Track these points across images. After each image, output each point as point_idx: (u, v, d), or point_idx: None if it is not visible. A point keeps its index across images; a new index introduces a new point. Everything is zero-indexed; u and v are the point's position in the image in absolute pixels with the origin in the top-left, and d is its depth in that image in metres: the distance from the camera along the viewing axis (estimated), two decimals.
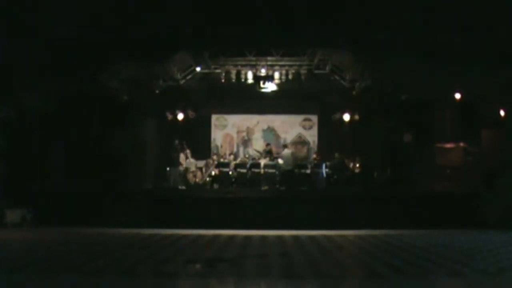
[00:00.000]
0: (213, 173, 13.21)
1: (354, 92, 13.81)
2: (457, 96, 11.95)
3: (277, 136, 15.97)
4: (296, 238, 8.20)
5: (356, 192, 11.92)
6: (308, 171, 13.20)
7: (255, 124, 15.99)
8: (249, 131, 15.99)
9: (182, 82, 14.13)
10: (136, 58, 10.89)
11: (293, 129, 15.95)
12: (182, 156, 13.11)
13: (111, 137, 12.25)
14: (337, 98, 14.26)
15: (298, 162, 13.40)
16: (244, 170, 12.88)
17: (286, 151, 13.15)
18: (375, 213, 10.28)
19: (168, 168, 12.95)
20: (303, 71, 13.96)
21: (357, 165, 13.45)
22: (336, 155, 13.22)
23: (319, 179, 12.95)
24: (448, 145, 12.63)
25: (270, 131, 15.99)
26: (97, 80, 11.20)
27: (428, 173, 12.24)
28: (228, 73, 13.92)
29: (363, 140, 13.97)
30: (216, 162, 13.35)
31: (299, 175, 12.95)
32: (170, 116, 14.61)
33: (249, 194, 11.35)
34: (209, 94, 15.02)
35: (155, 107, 13.88)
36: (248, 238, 8.14)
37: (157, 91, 13.56)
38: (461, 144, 12.47)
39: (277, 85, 13.76)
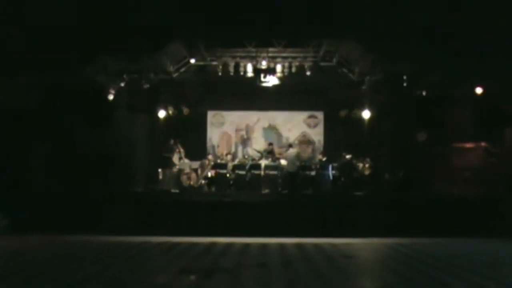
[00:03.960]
0: (209, 175, 13.21)
1: (363, 87, 13.78)
2: (478, 91, 11.89)
3: (279, 135, 15.98)
4: (299, 246, 8.18)
5: (365, 196, 11.90)
6: (313, 173, 13.18)
7: (255, 121, 16.00)
8: (249, 129, 16.00)
9: (175, 75, 14.07)
10: (124, 48, 10.85)
11: (297, 127, 15.97)
12: (175, 156, 13.12)
13: (96, 136, 12.18)
14: (345, 93, 14.22)
15: (302, 163, 13.40)
16: (243, 172, 12.87)
17: (291, 151, 13.14)
18: (386, 219, 10.22)
19: (160, 170, 12.97)
20: (307, 63, 13.88)
21: (367, 166, 13.40)
22: (344, 155, 13.21)
23: (325, 181, 12.97)
24: (468, 145, 12.59)
25: (271, 130, 15.99)
26: (81, 73, 11.14)
27: (445, 176, 12.20)
28: (225, 65, 13.84)
29: (373, 139, 13.96)
30: (212, 163, 13.34)
31: (303, 177, 12.95)
32: (162, 113, 14.60)
33: (248, 198, 11.31)
34: (205, 89, 14.96)
35: (146, 103, 13.86)
36: (247, 246, 8.12)
37: (147, 85, 13.50)
38: (482, 144, 12.43)
39: (279, 79, 13.66)
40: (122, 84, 12.73)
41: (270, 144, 14.34)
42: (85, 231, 9.59)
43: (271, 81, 13.19)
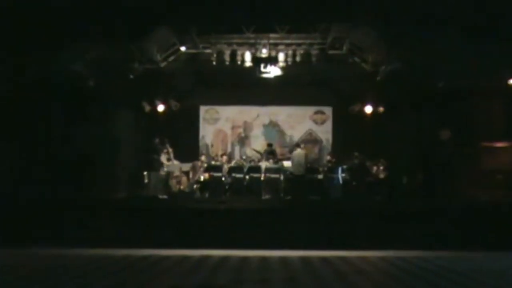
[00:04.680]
0: (201, 178, 13.29)
1: (378, 78, 13.71)
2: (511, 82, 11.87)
3: (282, 133, 16.15)
4: (304, 260, 8.13)
5: (380, 203, 11.96)
6: (320, 176, 13.30)
7: (254, 118, 16.16)
8: (247, 127, 16.16)
9: (163, 65, 14.06)
10: (105, 34, 10.79)
11: (302, 124, 16.14)
12: (163, 157, 13.15)
13: (73, 134, 12.17)
14: (357, 86, 14.28)
15: (308, 165, 13.49)
16: (240, 175, 12.95)
17: (299, 152, 13.19)
18: (404, 230, 10.12)
19: (145, 173, 13.05)
20: (314, 51, 13.86)
21: (381, 168, 13.48)
22: (355, 156, 13.27)
23: (334, 186, 13.11)
24: (499, 144, 12.59)
25: (272, 127, 16.15)
26: (56, 62, 11.06)
27: (472, 180, 12.21)
28: (220, 54, 13.83)
29: (390, 138, 14.03)
30: (205, 165, 13.41)
31: (309, 181, 13.04)
32: (148, 108, 14.66)
33: (247, 204, 11.30)
34: (197, 80, 15.07)
35: (130, 96, 13.89)
36: (245, 259, 8.07)
37: (131, 76, 13.47)
38: None
39: (282, 69, 13.68)
40: (102, 75, 12.67)
41: (269, 144, 14.45)
42: (60, 244, 9.50)
43: (272, 71, 13.20)
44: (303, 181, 12.86)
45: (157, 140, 12.83)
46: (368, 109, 14.72)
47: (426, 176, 13.05)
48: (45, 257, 8.59)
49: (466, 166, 12.41)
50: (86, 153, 12.27)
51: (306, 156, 13.24)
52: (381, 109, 14.60)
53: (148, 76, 13.91)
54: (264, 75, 13.29)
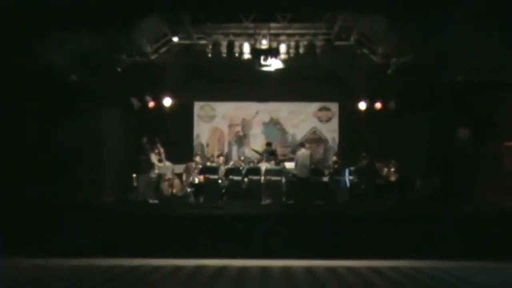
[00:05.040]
0: (196, 181, 13.23)
1: (389, 71, 13.76)
2: None
3: (283, 132, 16.19)
4: (308, 270, 8.16)
5: (391, 208, 11.93)
6: (326, 178, 13.27)
7: (254, 115, 16.16)
8: (246, 125, 16.17)
9: (153, 57, 14.07)
10: (89, 23, 10.76)
11: (305, 122, 16.16)
12: (153, 158, 13.04)
13: (55, 132, 12.14)
14: (366, 80, 14.29)
15: (312, 166, 13.40)
16: (238, 178, 12.89)
17: (303, 152, 13.14)
18: (418, 237, 10.18)
19: (134, 175, 12.95)
20: (319, 42, 13.89)
21: (393, 170, 13.47)
22: (364, 157, 13.21)
23: (341, 189, 13.03)
24: None
25: (273, 125, 16.18)
26: (35, 54, 11.01)
27: (493, 183, 12.18)
28: (216, 45, 13.86)
29: (402, 137, 14.03)
30: (200, 167, 13.34)
31: (314, 184, 13.00)
32: (137, 104, 14.65)
33: (245, 210, 11.29)
34: (191, 74, 15.06)
35: (117, 91, 13.83)
36: (244, 270, 8.10)
37: (119, 70, 13.46)
38: None
39: (283, 62, 13.67)
40: (86, 68, 12.63)
41: (268, 144, 14.42)
42: (40, 254, 9.49)
43: (273, 64, 13.17)
44: (307, 184, 12.80)
45: (145, 139, 12.71)
46: (378, 105, 14.73)
47: (442, 178, 13.03)
48: (22, 268, 8.56)
49: (488, 168, 12.37)
50: (67, 154, 12.21)
51: (310, 156, 13.22)
52: (392, 105, 14.58)
53: (137, 70, 13.88)
54: (264, 69, 13.24)
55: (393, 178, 13.37)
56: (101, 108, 13.61)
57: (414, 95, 13.67)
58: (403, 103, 14.23)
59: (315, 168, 13.64)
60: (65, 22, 10.49)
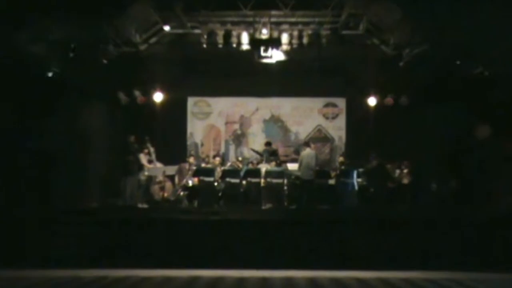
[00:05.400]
0: (190, 184, 13.25)
1: (401, 63, 13.70)
2: None
3: (286, 130, 16.21)
4: (313, 282, 8.13)
5: (404, 213, 11.86)
6: (332, 181, 13.30)
7: (253, 111, 16.20)
8: (244, 122, 16.20)
9: (142, 47, 14.04)
10: (72, 10, 10.70)
11: (310, 119, 16.20)
12: (143, 158, 13.10)
13: (33, 130, 12.08)
14: (376, 73, 14.20)
15: (317, 168, 13.45)
16: (236, 180, 12.90)
17: (308, 152, 13.14)
18: (434, 246, 10.15)
19: (122, 177, 12.87)
20: (324, 32, 13.82)
21: (405, 172, 13.49)
22: (374, 157, 13.23)
23: (348, 193, 13.04)
24: None
25: (275, 123, 16.20)
26: (12, 43, 10.93)
27: None
28: (212, 35, 13.75)
29: (415, 135, 14.06)
30: (194, 168, 13.34)
31: (319, 187, 13.02)
32: (125, 99, 14.66)
33: (244, 215, 11.22)
34: (184, 67, 15.01)
35: (103, 85, 13.82)
36: (242, 281, 8.07)
37: (105, 62, 13.37)
38: None
39: (286, 53, 13.68)
40: (69, 59, 12.53)
41: (268, 143, 14.43)
42: (20, 264, 9.45)
43: (274, 56, 13.13)
44: (311, 187, 12.86)
45: (133, 138, 12.73)
46: (389, 100, 14.71)
47: (460, 181, 13.02)
48: (1, 279, 8.53)
49: (509, 168, 12.33)
50: (48, 153, 12.18)
51: (315, 157, 13.22)
52: (404, 100, 14.57)
53: (125, 62, 13.79)
54: (265, 61, 13.22)
55: (405, 181, 13.38)
56: (85, 104, 13.61)
57: (428, 89, 13.64)
58: (417, 98, 14.23)
59: (320, 169, 13.65)
60: (45, 9, 10.46)
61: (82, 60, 12.67)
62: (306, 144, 13.73)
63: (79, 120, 13.38)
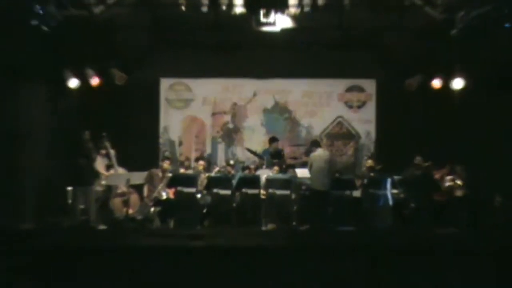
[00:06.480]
0: (163, 196, 13.45)
1: (453, 32, 13.44)
2: None
3: (294, 123, 16.40)
4: None
5: (457, 236, 11.84)
6: (357, 193, 13.45)
7: (250, 98, 16.37)
8: (238, 113, 16.37)
9: (98, 10, 13.84)
10: None
11: (327, 108, 16.38)
12: (99, 162, 13.27)
13: None
14: (418, 45, 14.28)
15: (336, 175, 13.64)
16: (227, 191, 13.07)
17: (319, 154, 13.26)
18: (501, 278, 9.77)
19: (70, 188, 13.04)
20: None
21: (459, 182, 13.59)
22: (417, 162, 13.41)
23: (380, 209, 13.22)
24: None
25: (279, 113, 16.42)
26: None
27: None
28: None
29: (472, 130, 14.12)
30: (170, 175, 13.48)
31: (338, 200, 13.17)
32: (73, 82, 14.66)
33: (238, 240, 11.19)
34: (156, 37, 15.06)
35: (42, 61, 13.76)
36: None
37: (45, 29, 13.17)
38: None
39: (294, 18, 13.60)
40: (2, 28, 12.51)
41: (273, 139, 14.58)
42: None
43: (279, 22, 13.07)
44: (328, 200, 13.00)
45: (86, 135, 12.71)
46: (436, 83, 14.73)
47: None
48: None
49: None
50: None
51: (330, 161, 13.23)
52: (458, 83, 14.64)
53: (73, 30, 13.71)
54: (266, 29, 13.18)
55: (459, 193, 13.54)
56: (17, 87, 13.53)
57: (490, 68, 13.65)
58: (475, 80, 14.29)
59: (340, 177, 13.73)
60: None
61: (10, 27, 12.58)
62: (315, 143, 13.75)
63: (7, 110, 13.30)
